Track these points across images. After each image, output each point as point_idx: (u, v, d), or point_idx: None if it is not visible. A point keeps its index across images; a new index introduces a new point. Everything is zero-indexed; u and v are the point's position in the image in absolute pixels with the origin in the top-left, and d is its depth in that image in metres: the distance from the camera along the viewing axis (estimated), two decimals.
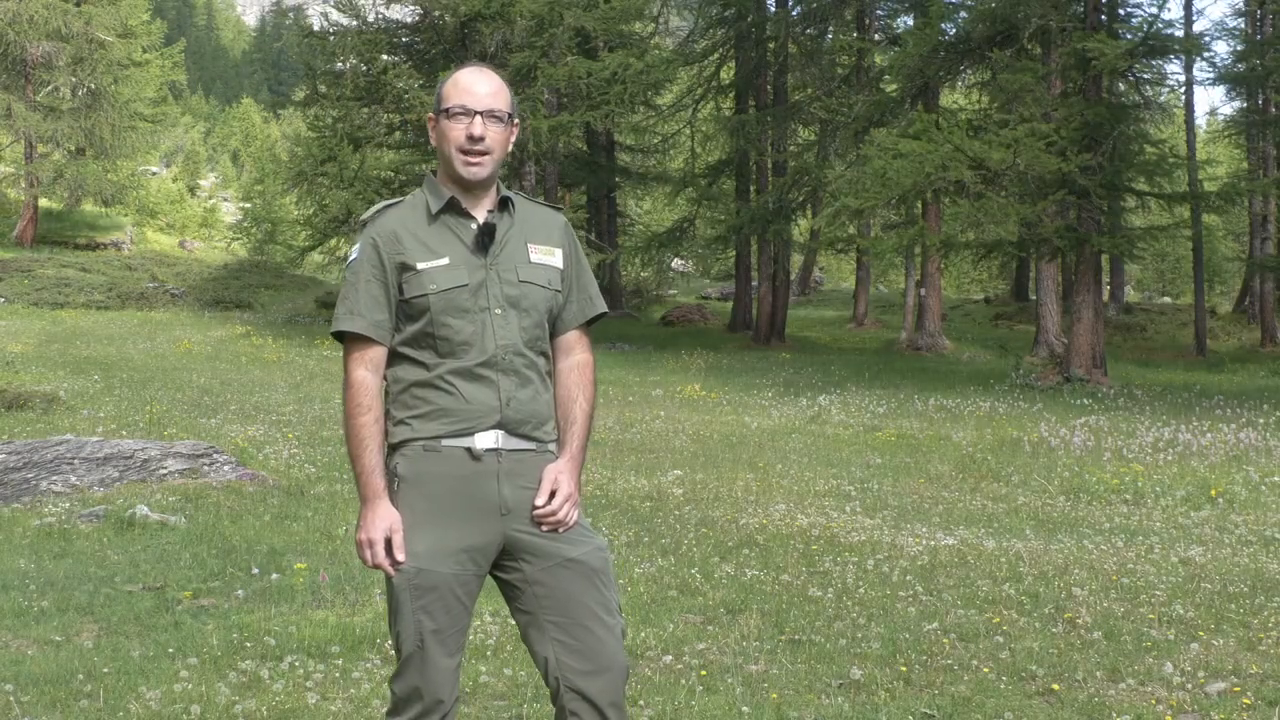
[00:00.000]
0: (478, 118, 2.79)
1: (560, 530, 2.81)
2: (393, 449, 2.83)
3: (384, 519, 2.75)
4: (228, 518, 7.47)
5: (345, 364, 2.83)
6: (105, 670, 4.61)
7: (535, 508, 2.80)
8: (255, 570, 6.20)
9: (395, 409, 2.84)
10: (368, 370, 2.81)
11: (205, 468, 8.70)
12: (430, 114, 2.91)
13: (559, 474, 2.83)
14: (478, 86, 2.82)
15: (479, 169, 2.81)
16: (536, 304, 2.85)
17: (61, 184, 35.68)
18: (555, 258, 2.91)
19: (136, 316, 26.19)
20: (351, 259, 2.88)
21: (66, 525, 7.17)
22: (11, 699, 4.29)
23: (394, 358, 2.85)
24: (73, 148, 36.26)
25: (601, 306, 3.01)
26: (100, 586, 5.87)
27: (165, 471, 8.52)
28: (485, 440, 2.78)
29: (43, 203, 36.90)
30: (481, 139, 2.79)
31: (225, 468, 8.77)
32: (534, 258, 2.88)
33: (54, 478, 8.19)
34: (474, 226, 2.85)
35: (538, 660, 2.83)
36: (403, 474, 2.80)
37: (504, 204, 2.89)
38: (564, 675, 2.77)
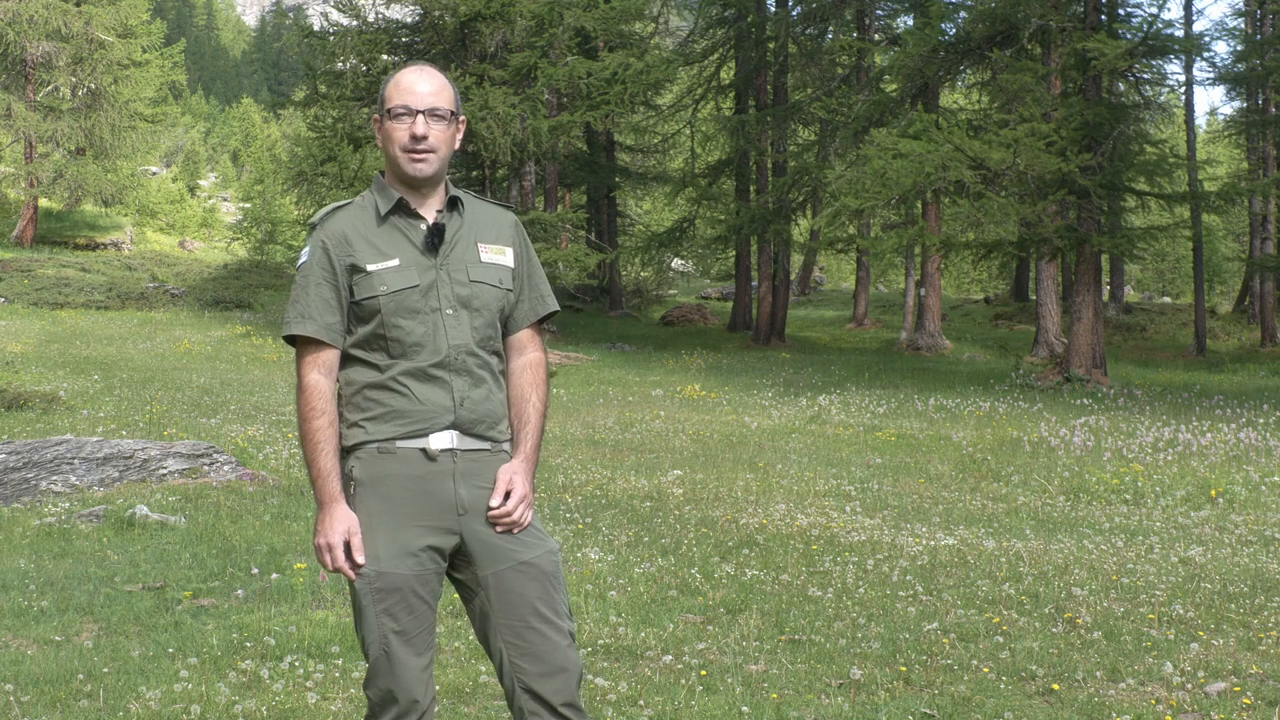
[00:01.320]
0: (420, 117, 2.80)
1: (515, 531, 2.82)
2: (347, 452, 2.82)
3: (342, 522, 2.75)
4: (228, 518, 7.46)
5: (298, 368, 2.82)
6: (105, 670, 4.61)
7: (490, 508, 2.81)
8: (255, 570, 6.20)
9: (349, 411, 2.83)
10: (320, 373, 2.81)
11: (205, 468, 8.70)
12: (375, 115, 2.91)
13: (514, 474, 2.84)
14: (419, 86, 2.83)
15: (424, 166, 2.82)
16: (488, 303, 2.86)
17: (61, 184, 35.70)
18: (506, 257, 2.92)
19: (136, 316, 26.17)
20: (301, 262, 2.87)
21: (66, 525, 7.16)
22: (11, 699, 4.29)
23: (346, 360, 2.85)
24: (73, 148, 36.27)
25: (553, 304, 3.01)
26: (100, 586, 5.87)
27: (165, 471, 8.52)
28: (440, 441, 2.79)
29: (43, 203, 36.91)
30: (424, 138, 2.80)
31: (225, 468, 8.77)
32: (485, 257, 2.88)
33: (54, 478, 8.19)
34: (423, 227, 2.85)
35: (493, 660, 2.85)
36: (358, 477, 2.80)
37: (453, 204, 2.90)
38: (518, 677, 2.79)
